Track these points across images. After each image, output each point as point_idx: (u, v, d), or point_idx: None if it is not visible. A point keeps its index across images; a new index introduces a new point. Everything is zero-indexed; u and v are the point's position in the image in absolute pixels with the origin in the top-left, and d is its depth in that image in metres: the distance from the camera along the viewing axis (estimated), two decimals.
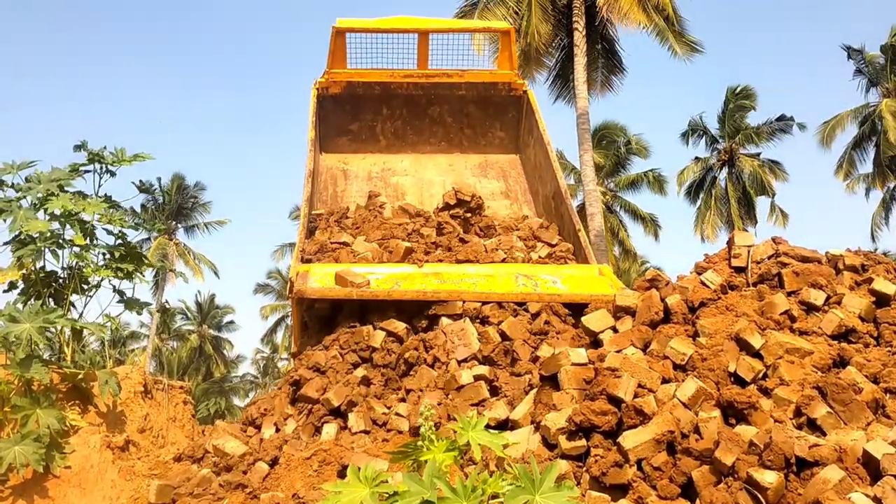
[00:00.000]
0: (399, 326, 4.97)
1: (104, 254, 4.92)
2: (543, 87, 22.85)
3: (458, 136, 8.06)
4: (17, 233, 4.58)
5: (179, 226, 41.02)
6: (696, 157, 33.29)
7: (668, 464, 3.20)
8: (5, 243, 4.64)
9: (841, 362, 3.59)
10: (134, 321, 49.82)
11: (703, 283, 4.18)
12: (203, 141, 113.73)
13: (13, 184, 4.74)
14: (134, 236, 5.17)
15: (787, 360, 3.53)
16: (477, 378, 4.46)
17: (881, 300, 3.88)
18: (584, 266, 5.83)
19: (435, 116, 8.02)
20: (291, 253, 10.74)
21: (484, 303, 5.04)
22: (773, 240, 4.39)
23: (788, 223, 31.59)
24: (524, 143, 7.89)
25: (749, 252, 4.31)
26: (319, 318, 5.39)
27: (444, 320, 4.99)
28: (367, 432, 4.38)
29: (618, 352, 3.82)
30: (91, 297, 4.89)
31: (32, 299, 4.66)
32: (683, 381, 3.49)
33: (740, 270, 4.29)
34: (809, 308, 3.91)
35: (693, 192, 32.83)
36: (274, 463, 4.16)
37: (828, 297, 3.93)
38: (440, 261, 5.75)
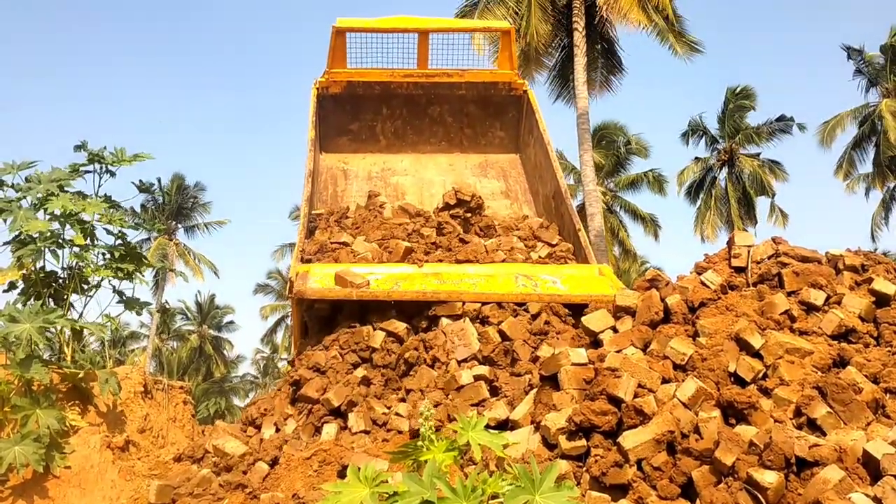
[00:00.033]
0: (399, 327, 4.97)
1: (104, 254, 4.92)
2: (543, 88, 22.89)
3: (458, 135, 8.05)
4: (17, 233, 4.58)
5: (179, 226, 41.04)
6: (696, 158, 33.32)
7: (668, 464, 3.19)
8: (5, 243, 4.65)
9: (841, 362, 3.59)
10: (134, 321, 49.88)
11: (703, 283, 4.18)
12: (203, 141, 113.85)
13: (13, 184, 4.74)
14: (134, 236, 5.18)
15: (787, 360, 3.53)
16: (477, 378, 4.46)
17: (881, 300, 3.88)
18: (584, 266, 5.83)
19: (435, 116, 8.01)
20: (291, 253, 10.74)
21: (484, 303, 5.04)
22: (773, 240, 4.39)
23: (788, 223, 31.65)
24: (524, 142, 7.89)
25: (749, 252, 4.31)
26: (319, 318, 5.38)
27: (444, 320, 4.99)
28: (367, 432, 4.38)
29: (618, 352, 3.82)
30: (91, 297, 4.89)
31: (32, 299, 4.66)
32: (683, 381, 3.49)
33: (740, 270, 4.29)
34: (809, 308, 3.91)
35: (693, 192, 32.84)
36: (274, 463, 4.16)
37: (828, 297, 3.93)
38: (440, 261, 5.75)
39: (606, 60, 22.36)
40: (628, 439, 3.26)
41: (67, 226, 4.70)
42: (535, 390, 4.03)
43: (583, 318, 4.33)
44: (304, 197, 6.52)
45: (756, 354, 3.60)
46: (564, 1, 20.76)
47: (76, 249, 4.72)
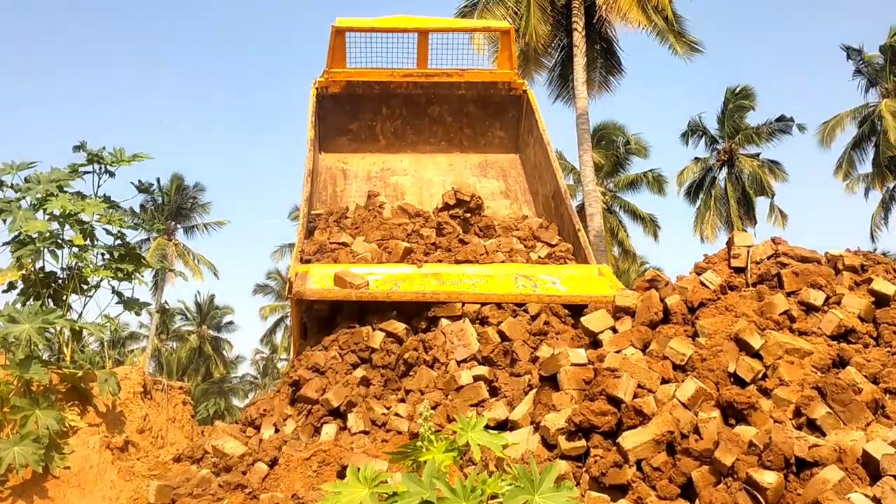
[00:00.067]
0: (398, 327, 4.97)
1: (103, 254, 4.92)
2: (543, 88, 22.89)
3: (457, 135, 8.05)
4: (16, 233, 4.57)
5: (179, 226, 41.04)
6: (696, 158, 33.33)
7: (667, 464, 3.19)
8: (5, 244, 4.64)
9: (840, 362, 3.59)
10: (133, 322, 49.78)
11: (702, 283, 4.17)
12: (203, 141, 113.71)
13: (13, 184, 4.74)
14: (133, 237, 5.18)
15: (786, 360, 3.53)
16: (476, 378, 4.46)
17: (881, 300, 3.88)
18: (583, 266, 5.83)
19: (435, 116, 8.01)
20: (291, 253, 10.74)
21: (483, 304, 5.03)
22: (773, 240, 4.39)
23: (788, 223, 31.65)
24: (524, 142, 7.89)
25: (748, 252, 4.31)
26: (318, 318, 5.38)
27: (444, 321, 4.99)
28: (366, 433, 4.38)
29: (617, 352, 3.82)
30: (90, 297, 4.88)
31: (31, 300, 4.65)
32: (683, 381, 3.49)
33: (740, 271, 4.29)
34: (809, 308, 3.91)
35: (692, 192, 32.84)
36: (273, 463, 4.16)
37: (827, 298, 3.93)
38: (439, 261, 5.75)
39: (606, 61, 22.37)
40: (628, 440, 3.26)
41: (67, 226, 4.69)
42: (534, 391, 4.03)
43: (582, 319, 4.33)
44: (304, 197, 6.51)
45: (756, 355, 3.60)
46: (564, 1, 20.76)
47: (75, 250, 4.71)
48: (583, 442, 3.43)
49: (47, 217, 4.64)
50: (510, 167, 7.91)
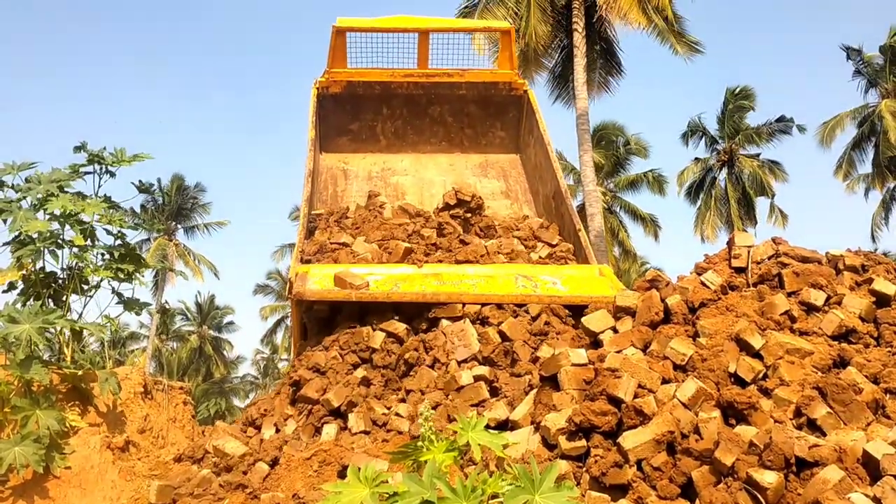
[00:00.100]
0: (399, 327, 4.97)
1: (104, 254, 4.92)
2: (543, 88, 22.89)
3: (458, 135, 8.05)
4: (16, 233, 4.58)
5: (179, 226, 41.04)
6: (696, 158, 33.33)
7: (667, 464, 3.19)
8: (5, 244, 4.64)
9: (841, 363, 3.59)
10: (133, 322, 49.84)
11: (703, 283, 4.18)
12: (203, 141, 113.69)
13: (13, 184, 4.74)
14: (133, 237, 5.18)
15: (787, 360, 3.53)
16: (477, 379, 4.46)
17: (881, 300, 3.88)
18: (584, 266, 5.83)
19: (435, 116, 8.01)
20: (291, 253, 10.74)
21: (484, 304, 5.03)
22: (773, 240, 4.39)
23: (788, 223, 31.65)
24: (524, 142, 7.89)
25: (749, 252, 4.31)
26: (319, 319, 5.38)
27: (444, 321, 4.99)
28: (367, 433, 4.38)
29: (618, 352, 3.82)
30: (90, 297, 4.89)
31: (32, 300, 4.65)
32: (683, 381, 3.49)
33: (740, 271, 4.29)
34: (809, 308, 3.91)
35: (693, 192, 32.85)
36: (274, 463, 4.16)
37: (828, 298, 3.93)
38: (440, 261, 5.74)
39: (606, 61, 22.36)
40: (628, 440, 3.26)
41: (67, 226, 4.70)
42: (535, 391, 4.03)
43: (583, 319, 4.33)
44: (304, 197, 6.51)
45: (756, 355, 3.60)
46: (564, 1, 20.76)
47: (76, 250, 4.72)
48: (583, 442, 3.43)
49: (48, 217, 4.65)
50: (511, 167, 7.91)
